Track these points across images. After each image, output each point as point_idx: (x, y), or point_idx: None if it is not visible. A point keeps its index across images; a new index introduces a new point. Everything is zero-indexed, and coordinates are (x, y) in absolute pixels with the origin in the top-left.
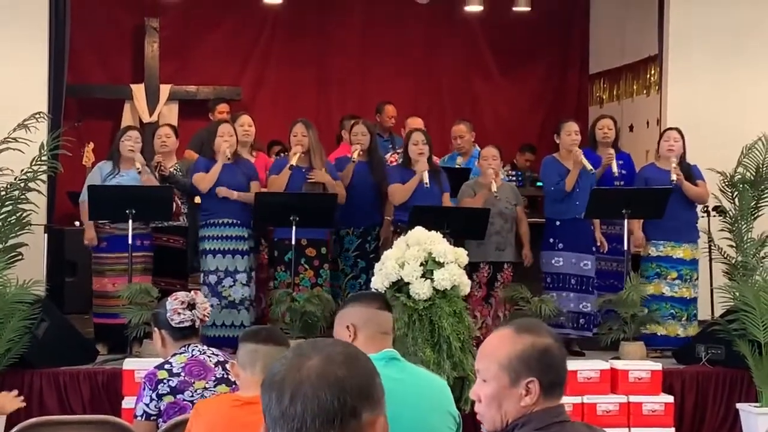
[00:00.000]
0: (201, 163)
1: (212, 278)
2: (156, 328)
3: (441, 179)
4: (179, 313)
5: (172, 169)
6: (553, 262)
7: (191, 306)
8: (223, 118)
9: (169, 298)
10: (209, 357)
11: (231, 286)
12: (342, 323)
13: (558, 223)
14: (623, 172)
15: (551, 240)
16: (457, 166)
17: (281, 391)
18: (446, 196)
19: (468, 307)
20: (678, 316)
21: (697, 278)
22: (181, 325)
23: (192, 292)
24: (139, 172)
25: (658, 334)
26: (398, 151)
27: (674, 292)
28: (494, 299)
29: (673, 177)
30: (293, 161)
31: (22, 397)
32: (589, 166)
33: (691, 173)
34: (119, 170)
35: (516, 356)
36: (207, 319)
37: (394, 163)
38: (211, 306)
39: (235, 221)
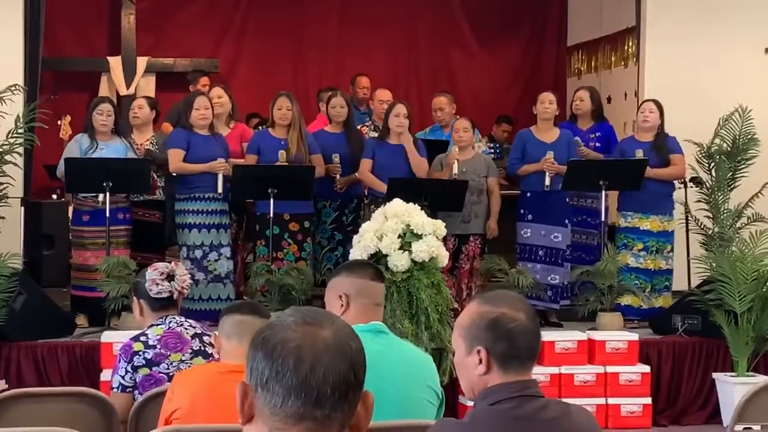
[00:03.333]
0: (176, 136)
1: (198, 253)
2: (135, 297)
3: (418, 149)
4: (157, 284)
5: (148, 144)
6: (522, 233)
7: (170, 277)
8: (201, 90)
9: (148, 269)
10: (186, 329)
11: (216, 260)
12: (334, 292)
13: (528, 194)
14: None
15: (522, 211)
16: (433, 139)
17: (299, 359)
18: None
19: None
20: (642, 287)
21: (670, 250)
22: (159, 296)
23: (172, 263)
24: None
25: (621, 303)
26: (367, 123)
27: (639, 263)
28: (458, 271)
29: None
30: (282, 160)
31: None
32: (455, 171)
33: (667, 146)
34: (98, 143)
35: (469, 325)
36: (186, 291)
37: (366, 136)
38: (196, 280)
39: (216, 195)
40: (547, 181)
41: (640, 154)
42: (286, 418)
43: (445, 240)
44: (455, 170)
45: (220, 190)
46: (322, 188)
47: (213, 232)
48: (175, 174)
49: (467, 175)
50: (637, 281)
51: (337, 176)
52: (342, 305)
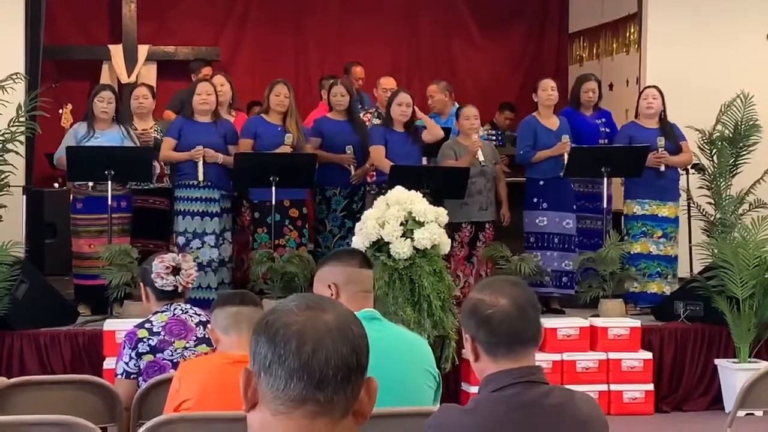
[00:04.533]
0: (172, 125)
1: (181, 240)
2: (142, 284)
3: (419, 137)
4: (162, 278)
5: (152, 131)
6: (537, 221)
7: (176, 271)
8: (204, 77)
9: (155, 259)
10: (191, 317)
11: (199, 248)
12: (323, 282)
13: (542, 182)
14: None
15: (535, 199)
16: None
17: (302, 342)
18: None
19: (448, 267)
20: (664, 274)
21: (677, 236)
22: (164, 289)
23: (180, 255)
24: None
25: (648, 291)
26: (370, 111)
27: (660, 250)
28: (476, 258)
29: (661, 168)
30: (288, 143)
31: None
32: (482, 158)
33: (674, 133)
34: (94, 132)
35: (461, 313)
36: (190, 286)
37: (369, 123)
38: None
39: (206, 183)
40: (481, 156)
41: (662, 142)
42: (288, 402)
43: (460, 227)
44: (481, 157)
45: (200, 177)
46: (332, 176)
47: (197, 219)
48: (164, 162)
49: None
50: (659, 268)
51: (352, 168)
52: (332, 294)
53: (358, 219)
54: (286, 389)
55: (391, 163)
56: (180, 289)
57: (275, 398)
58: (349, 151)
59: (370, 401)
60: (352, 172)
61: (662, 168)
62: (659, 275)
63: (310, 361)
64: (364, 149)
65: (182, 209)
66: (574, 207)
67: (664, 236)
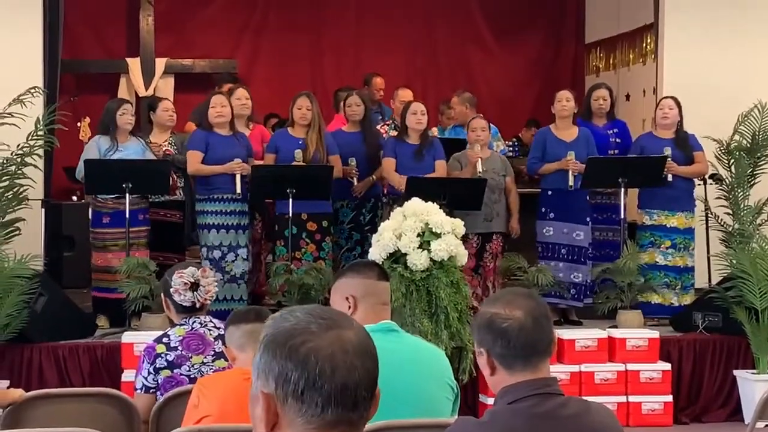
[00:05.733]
0: (195, 137)
1: (216, 253)
2: (163, 294)
3: (434, 148)
4: (180, 294)
5: (166, 144)
6: (544, 231)
7: (194, 287)
8: (220, 91)
9: (175, 274)
10: (210, 330)
11: (233, 261)
12: (341, 294)
13: (550, 192)
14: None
15: (543, 209)
16: (448, 137)
17: (335, 367)
18: (440, 164)
19: None
20: (672, 285)
21: (693, 247)
22: (183, 304)
23: (200, 270)
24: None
25: (653, 302)
26: (387, 122)
27: (668, 261)
28: (483, 270)
29: (668, 178)
30: (298, 159)
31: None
32: (480, 169)
33: (688, 143)
34: (118, 144)
35: (473, 327)
36: (209, 302)
37: (385, 135)
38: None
39: (235, 196)
40: (571, 181)
41: (668, 151)
42: (323, 426)
43: (467, 238)
44: (479, 168)
45: (238, 190)
46: (339, 188)
47: (231, 233)
48: (193, 176)
49: (488, 174)
50: (666, 279)
51: (354, 180)
52: (349, 306)
53: (366, 231)
54: (323, 414)
55: (399, 176)
56: (198, 305)
57: (307, 423)
58: (352, 164)
59: (374, 406)
60: (355, 184)
61: (669, 178)
62: (667, 286)
63: (346, 385)
64: (371, 161)
65: (213, 223)
66: (588, 219)
67: (673, 246)
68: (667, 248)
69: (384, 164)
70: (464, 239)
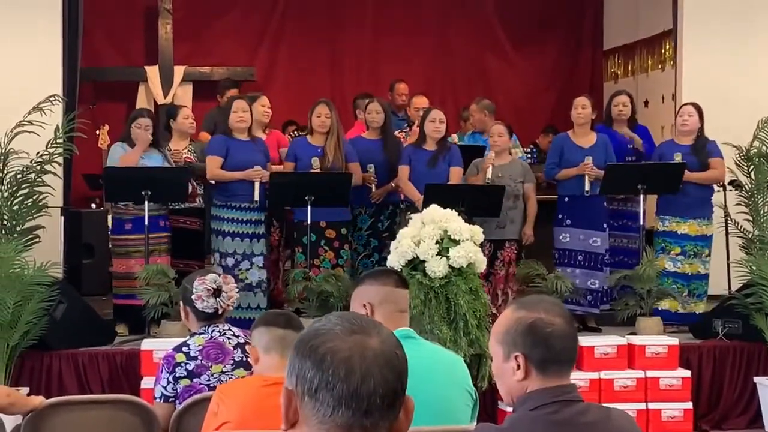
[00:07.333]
0: (215, 142)
1: (230, 261)
2: (182, 303)
3: (451, 155)
4: (203, 300)
5: (186, 152)
6: (560, 238)
7: (217, 293)
8: (238, 95)
9: (197, 280)
10: (229, 339)
11: (248, 269)
12: (359, 301)
13: (566, 199)
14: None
15: (560, 216)
16: (467, 144)
17: (350, 370)
18: (455, 170)
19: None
20: (679, 292)
21: (707, 255)
22: (204, 311)
23: (222, 276)
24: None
25: (659, 308)
26: (404, 129)
27: (677, 267)
28: (493, 277)
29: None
30: (315, 167)
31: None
32: (489, 176)
33: (706, 149)
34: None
35: (506, 331)
36: (231, 308)
37: (404, 141)
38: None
39: (253, 204)
40: (587, 186)
41: (678, 157)
42: (335, 427)
43: (480, 246)
44: (489, 175)
45: (256, 198)
46: (357, 195)
47: (246, 242)
48: (212, 182)
49: (503, 180)
50: (674, 285)
51: (373, 187)
52: (367, 314)
53: (384, 238)
54: (333, 416)
55: (411, 185)
56: (220, 311)
57: (320, 423)
58: (370, 170)
59: (407, 420)
60: (373, 190)
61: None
62: (675, 292)
63: (358, 390)
64: (390, 168)
65: (229, 230)
66: (605, 226)
67: (683, 253)
68: (676, 255)
69: (399, 172)
70: None
